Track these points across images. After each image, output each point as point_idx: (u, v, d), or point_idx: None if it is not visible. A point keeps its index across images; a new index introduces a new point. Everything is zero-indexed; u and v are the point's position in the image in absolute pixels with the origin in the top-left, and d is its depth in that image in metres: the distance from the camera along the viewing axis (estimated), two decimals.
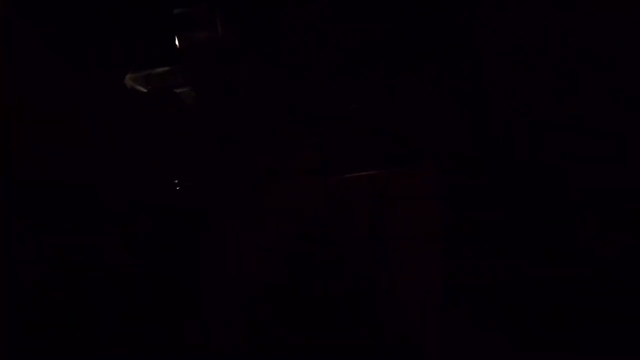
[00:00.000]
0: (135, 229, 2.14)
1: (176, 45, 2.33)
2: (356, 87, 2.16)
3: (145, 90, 2.37)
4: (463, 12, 2.11)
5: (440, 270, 2.03)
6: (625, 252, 1.93)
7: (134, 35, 2.28)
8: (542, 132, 2.04)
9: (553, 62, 2.03)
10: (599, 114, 1.99)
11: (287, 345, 2.03)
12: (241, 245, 2.10)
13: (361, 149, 2.13)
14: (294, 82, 2.21)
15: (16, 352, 2.03)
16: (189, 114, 2.31)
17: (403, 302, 2.03)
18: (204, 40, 2.30)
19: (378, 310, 2.03)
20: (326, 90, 2.18)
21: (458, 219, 2.04)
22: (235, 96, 2.32)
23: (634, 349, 1.88)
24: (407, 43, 2.14)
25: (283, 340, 2.04)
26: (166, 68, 2.33)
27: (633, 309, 1.90)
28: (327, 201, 2.09)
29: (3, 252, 2.06)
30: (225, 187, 2.19)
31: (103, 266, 2.10)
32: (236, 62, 2.29)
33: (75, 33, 2.23)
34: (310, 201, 2.09)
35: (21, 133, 2.12)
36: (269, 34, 2.26)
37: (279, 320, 2.06)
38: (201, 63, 2.32)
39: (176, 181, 2.20)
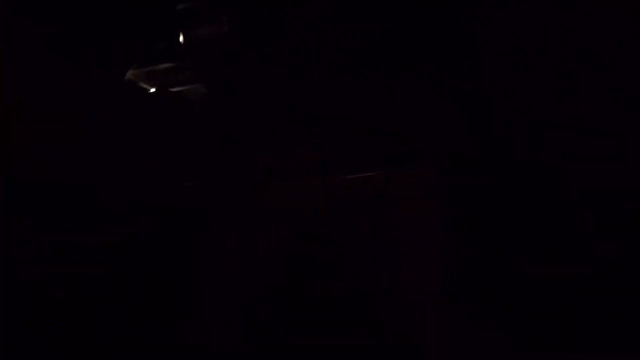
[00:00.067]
0: (135, 229, 2.14)
1: (180, 41, 2.32)
2: (356, 87, 2.16)
3: (147, 87, 2.36)
4: (463, 12, 2.11)
5: (440, 270, 2.02)
6: (625, 252, 1.93)
7: (136, 30, 2.28)
8: (542, 132, 2.04)
9: (553, 62, 2.03)
10: (599, 114, 1.99)
11: (287, 345, 2.03)
12: (241, 245, 2.10)
13: (361, 149, 2.13)
14: (294, 82, 2.21)
15: (16, 352, 2.03)
16: (189, 113, 2.31)
17: (403, 302, 2.03)
18: (207, 36, 2.30)
19: (378, 310, 2.03)
20: (326, 90, 2.18)
21: (458, 219, 2.04)
22: (235, 96, 2.31)
23: (634, 349, 1.88)
24: (407, 43, 2.14)
25: (283, 340, 2.04)
26: (169, 64, 2.33)
27: (633, 309, 1.90)
28: (327, 201, 2.09)
29: (3, 252, 2.06)
30: (225, 187, 2.19)
31: (103, 266, 2.10)
32: (237, 61, 2.30)
33: (75, 33, 2.23)
34: (310, 201, 2.09)
35: (21, 133, 2.12)
36: (269, 34, 2.26)
37: (279, 320, 2.06)
38: (204, 61, 2.32)
39: (179, 181, 2.20)
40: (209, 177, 2.21)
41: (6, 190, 2.08)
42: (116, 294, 2.09)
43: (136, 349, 2.04)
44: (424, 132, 2.10)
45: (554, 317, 1.95)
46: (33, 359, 2.05)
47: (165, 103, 2.32)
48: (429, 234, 2.04)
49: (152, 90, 2.35)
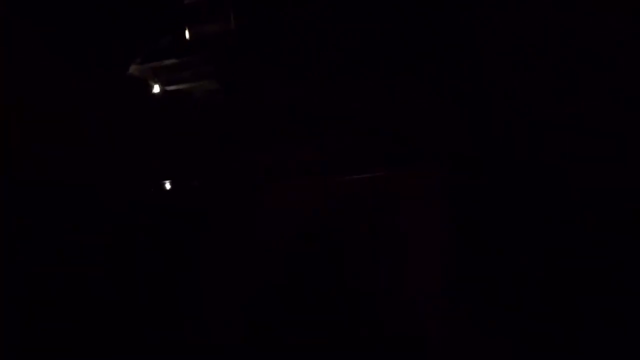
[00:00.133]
0: (135, 229, 2.14)
1: (186, 37, 2.32)
2: (356, 87, 2.16)
3: (151, 83, 2.35)
4: (463, 12, 2.11)
5: (440, 270, 2.03)
6: (625, 252, 1.93)
7: (139, 26, 2.27)
8: (542, 132, 2.04)
9: (553, 62, 2.03)
10: (599, 114, 1.99)
11: (287, 345, 2.03)
12: (241, 245, 2.10)
13: (361, 149, 2.13)
14: (294, 82, 2.21)
15: (16, 352, 2.03)
16: (189, 113, 2.31)
17: (403, 302, 2.03)
18: (214, 33, 2.29)
19: (378, 310, 2.03)
20: (326, 90, 2.18)
21: (458, 219, 2.04)
22: (237, 95, 2.32)
23: (634, 349, 1.88)
24: (407, 43, 2.14)
25: (283, 340, 2.04)
26: (175, 60, 2.32)
27: (633, 309, 1.90)
28: (327, 201, 2.09)
29: (3, 252, 2.06)
30: (225, 187, 2.19)
31: (103, 266, 2.10)
32: (239, 60, 2.29)
33: (75, 33, 2.23)
34: (310, 201, 2.09)
35: (21, 133, 2.12)
36: (270, 34, 2.26)
37: (279, 320, 2.06)
38: (211, 57, 2.32)
39: (179, 181, 2.20)
40: (209, 177, 2.21)
41: (6, 190, 2.08)
42: (116, 294, 2.09)
43: (136, 349, 2.04)
44: (424, 132, 2.10)
45: (554, 317, 1.95)
46: (33, 359, 2.05)
47: (167, 102, 2.32)
48: (429, 234, 2.04)
49: (156, 87, 2.35)
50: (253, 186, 2.15)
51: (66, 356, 2.04)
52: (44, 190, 2.11)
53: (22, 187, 2.09)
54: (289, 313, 2.06)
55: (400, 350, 2.00)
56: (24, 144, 2.12)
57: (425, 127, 2.10)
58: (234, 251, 2.10)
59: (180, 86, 2.36)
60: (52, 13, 2.21)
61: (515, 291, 1.99)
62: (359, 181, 2.08)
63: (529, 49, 2.05)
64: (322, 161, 2.13)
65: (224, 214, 2.13)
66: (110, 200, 2.14)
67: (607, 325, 1.91)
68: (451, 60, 2.11)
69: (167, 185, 2.23)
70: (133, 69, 2.34)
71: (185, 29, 2.32)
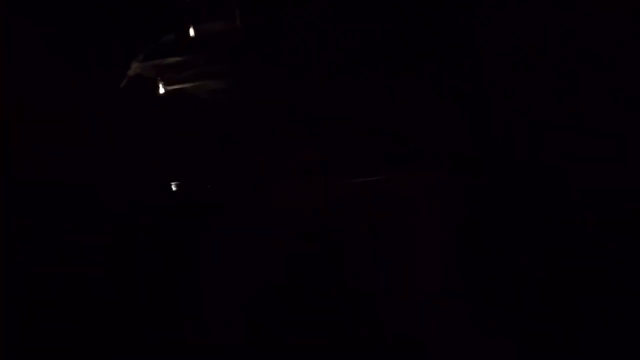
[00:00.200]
0: (135, 229, 2.14)
1: (189, 35, 2.31)
2: (356, 87, 2.16)
3: (153, 81, 2.34)
4: (463, 12, 2.11)
5: (440, 270, 2.02)
6: (625, 252, 1.93)
7: (142, 23, 2.27)
8: (542, 132, 2.04)
9: (553, 62, 2.03)
10: (599, 114, 1.99)
11: (287, 345, 2.03)
12: (241, 245, 2.10)
13: (361, 149, 2.13)
14: (294, 82, 2.21)
15: (16, 352, 2.03)
16: (189, 113, 2.30)
17: (403, 302, 2.03)
18: (219, 31, 2.29)
19: (378, 310, 2.03)
20: (326, 90, 2.17)
21: (458, 219, 2.04)
22: (235, 96, 2.31)
23: (634, 349, 1.88)
24: (407, 43, 2.14)
25: (283, 340, 2.04)
26: (178, 58, 2.32)
27: (633, 309, 1.90)
28: (327, 201, 2.09)
29: (3, 252, 2.06)
30: (225, 187, 2.19)
31: (103, 266, 2.10)
32: (241, 60, 2.29)
33: (75, 33, 2.23)
34: (310, 201, 2.09)
35: (21, 133, 2.12)
36: (270, 34, 2.26)
37: (279, 320, 2.06)
38: (215, 56, 2.31)
39: (179, 181, 2.20)
40: (209, 177, 2.21)
41: (6, 190, 2.08)
42: (116, 294, 2.09)
43: (136, 349, 2.04)
44: (424, 132, 2.10)
45: (554, 317, 1.95)
46: (33, 359, 2.05)
47: (167, 102, 2.32)
48: (429, 234, 2.04)
49: (156, 86, 2.34)
50: (253, 186, 2.15)
51: (66, 356, 2.04)
52: (44, 190, 2.11)
53: (22, 187, 2.09)
54: (289, 313, 2.06)
55: (401, 350, 2.00)
56: (24, 144, 2.12)
57: (425, 127, 2.10)
58: (234, 251, 2.09)
59: (181, 85, 2.36)
60: (52, 13, 2.21)
61: (515, 291, 1.98)
62: (359, 181, 2.08)
63: (529, 49, 2.05)
64: (322, 161, 2.13)
65: (224, 213, 2.13)
66: (110, 200, 2.14)
67: (607, 325, 1.91)
68: (451, 60, 2.11)
69: (167, 185, 2.23)
70: (135, 66, 2.33)
71: (186, 28, 2.32)
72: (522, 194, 2.03)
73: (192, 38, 2.34)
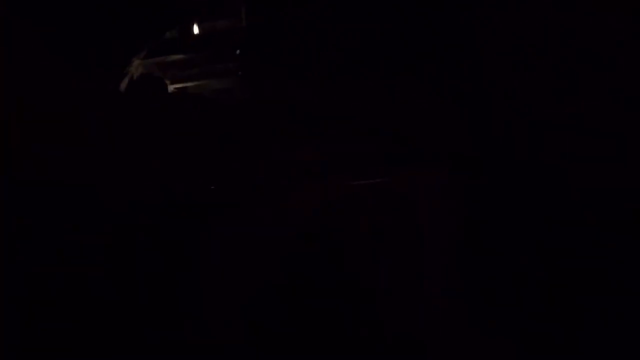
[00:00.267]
0: (135, 229, 2.14)
1: (194, 33, 2.31)
2: (356, 87, 2.16)
3: (156, 77, 2.34)
4: (463, 12, 2.11)
5: (440, 270, 2.03)
6: (625, 252, 1.93)
7: (142, 26, 2.27)
8: (542, 132, 2.04)
9: (553, 62, 2.03)
10: (599, 114, 1.99)
11: (287, 345, 2.03)
12: (241, 245, 2.10)
13: (361, 149, 2.13)
14: (294, 82, 2.21)
15: (16, 352, 2.02)
16: (190, 113, 2.31)
17: (403, 302, 2.03)
18: (224, 29, 2.28)
19: (378, 310, 2.03)
20: (326, 90, 2.18)
21: (458, 219, 2.04)
22: (235, 96, 2.31)
23: (634, 349, 1.88)
24: (407, 43, 2.14)
25: (283, 340, 2.04)
26: (182, 56, 2.31)
27: (633, 309, 1.90)
28: (327, 201, 2.09)
29: (3, 252, 2.06)
30: (225, 187, 2.19)
31: (103, 266, 2.10)
32: (240, 60, 2.29)
33: (75, 33, 2.23)
34: (310, 201, 2.09)
35: (21, 133, 2.12)
36: (270, 34, 2.26)
37: (279, 320, 2.06)
38: (220, 54, 2.30)
39: (179, 181, 2.20)
40: (210, 177, 2.21)
41: (6, 190, 2.08)
42: (116, 294, 2.09)
43: (136, 349, 2.04)
44: (424, 132, 2.10)
45: (554, 317, 1.95)
46: (33, 359, 2.05)
47: (166, 101, 2.32)
48: (429, 234, 2.04)
49: (160, 84, 2.33)
50: (253, 186, 2.15)
51: (66, 356, 2.03)
52: (44, 190, 2.11)
53: (22, 187, 2.09)
54: (289, 313, 2.06)
55: (401, 350, 2.00)
56: (24, 144, 2.11)
57: (425, 127, 2.10)
58: (234, 251, 2.09)
59: (183, 84, 2.36)
60: (52, 13, 2.21)
61: (515, 291, 1.98)
62: (359, 181, 2.08)
63: (529, 49, 2.05)
64: (322, 161, 2.13)
65: (224, 214, 2.13)
66: (110, 200, 2.14)
67: (607, 325, 1.91)
68: (451, 60, 2.11)
69: (167, 186, 2.23)
70: (137, 64, 2.33)
71: (186, 28, 2.32)
72: (522, 194, 2.03)
73: (196, 36, 2.33)
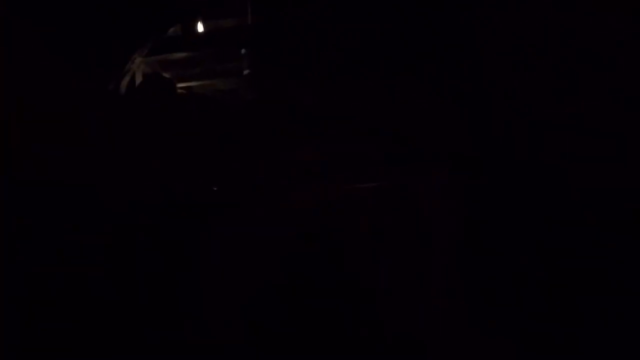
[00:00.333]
0: (135, 229, 2.14)
1: (198, 31, 2.30)
2: (356, 87, 2.16)
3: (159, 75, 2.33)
4: (463, 12, 2.11)
5: (440, 270, 2.03)
6: (625, 252, 1.93)
7: (142, 26, 2.27)
8: (542, 132, 2.04)
9: (553, 62, 2.03)
10: (599, 114, 1.99)
11: (287, 345, 2.03)
12: (241, 245, 2.10)
13: (361, 150, 2.13)
14: (295, 82, 2.21)
15: (16, 352, 2.02)
16: (190, 113, 2.31)
17: (403, 302, 2.03)
18: (229, 27, 2.28)
19: (378, 310, 2.03)
20: (326, 90, 2.18)
21: (458, 219, 2.04)
22: (235, 96, 2.31)
23: (634, 349, 1.88)
24: (407, 43, 2.14)
25: (283, 340, 2.04)
26: (185, 54, 2.31)
27: (633, 309, 1.90)
28: (327, 201, 2.09)
29: (3, 252, 2.06)
30: (225, 187, 2.19)
31: (103, 266, 2.10)
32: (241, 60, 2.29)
33: (75, 33, 2.23)
34: (310, 201, 2.09)
35: (21, 133, 2.12)
36: (270, 34, 2.26)
37: (279, 320, 2.06)
38: (224, 53, 2.30)
39: (179, 181, 2.20)
40: (210, 178, 2.21)
41: (6, 190, 2.08)
42: (116, 294, 2.09)
43: (136, 349, 2.04)
44: (424, 132, 2.10)
45: (554, 317, 1.95)
46: (33, 359, 2.05)
47: (166, 101, 2.32)
48: (429, 234, 2.04)
49: (161, 83, 2.33)
50: (253, 186, 2.15)
51: (66, 356, 2.03)
52: (44, 190, 2.11)
53: (22, 187, 2.09)
54: (289, 313, 2.06)
55: (401, 350, 2.00)
56: (24, 144, 2.11)
57: (425, 127, 2.10)
58: (234, 251, 2.10)
59: (185, 84, 2.36)
60: (52, 13, 2.21)
61: (515, 291, 1.99)
62: (359, 181, 2.08)
63: (529, 49, 2.05)
64: (322, 161, 2.13)
65: (224, 214, 2.13)
66: (110, 200, 2.14)
67: (607, 325, 1.91)
68: (451, 60, 2.11)
69: (167, 186, 2.23)
70: (138, 61, 2.33)
71: (190, 26, 2.31)
72: (522, 194, 2.03)
73: (200, 34, 2.33)
